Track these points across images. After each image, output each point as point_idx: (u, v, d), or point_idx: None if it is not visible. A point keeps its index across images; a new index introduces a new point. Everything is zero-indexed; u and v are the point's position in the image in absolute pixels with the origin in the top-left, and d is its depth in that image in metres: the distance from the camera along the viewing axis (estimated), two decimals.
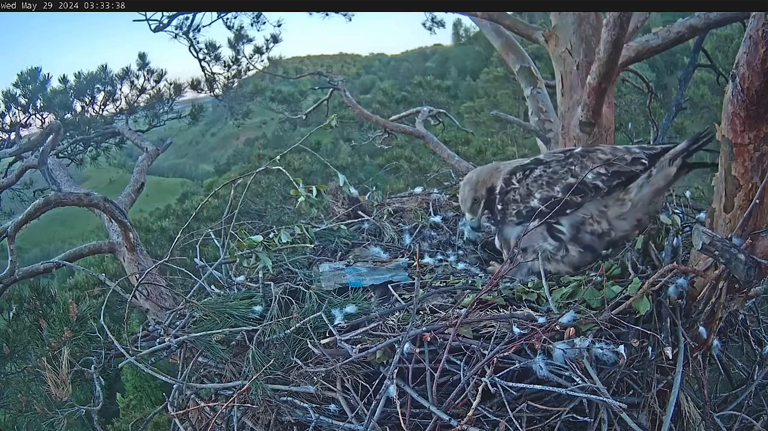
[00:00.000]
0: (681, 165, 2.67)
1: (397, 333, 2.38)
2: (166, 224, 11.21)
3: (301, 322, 2.51)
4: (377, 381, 2.30)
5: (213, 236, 3.47)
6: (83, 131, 6.65)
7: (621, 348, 2.09)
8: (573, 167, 2.75)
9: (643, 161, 2.69)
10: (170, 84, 7.59)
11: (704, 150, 2.74)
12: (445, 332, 2.30)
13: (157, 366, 2.84)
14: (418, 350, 2.26)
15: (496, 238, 3.09)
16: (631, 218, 2.74)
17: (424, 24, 9.58)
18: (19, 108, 6.51)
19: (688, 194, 3.44)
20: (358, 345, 2.37)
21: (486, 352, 2.15)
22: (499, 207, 2.93)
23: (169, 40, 7.28)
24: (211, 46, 8.14)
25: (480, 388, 2.04)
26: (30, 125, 6.54)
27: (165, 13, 6.70)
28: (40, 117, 6.60)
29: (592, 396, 2.03)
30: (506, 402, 2.06)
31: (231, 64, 8.48)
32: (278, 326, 2.55)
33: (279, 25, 8.66)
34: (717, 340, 2.49)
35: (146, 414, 4.57)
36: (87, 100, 6.98)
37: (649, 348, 2.25)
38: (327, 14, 8.06)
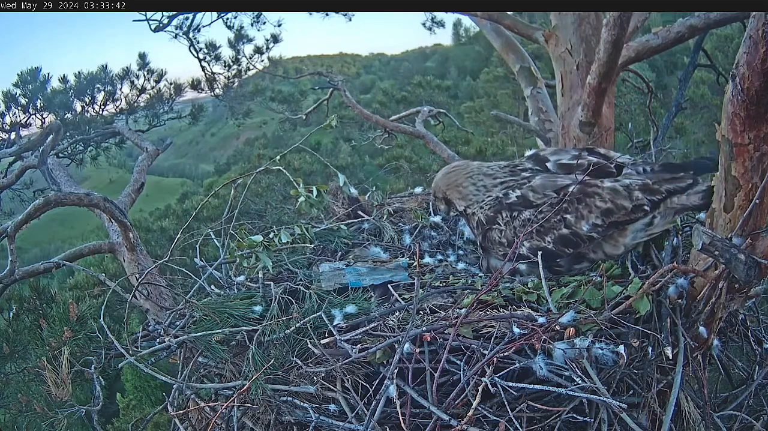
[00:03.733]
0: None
1: (397, 333, 2.38)
2: (166, 224, 11.22)
3: (301, 322, 2.51)
4: (377, 381, 2.30)
5: (213, 236, 3.46)
6: (83, 131, 6.65)
7: (621, 348, 2.09)
8: (567, 216, 2.55)
9: (645, 207, 2.52)
10: (170, 84, 7.60)
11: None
12: (445, 332, 2.30)
13: (157, 366, 2.84)
14: (418, 350, 2.26)
15: (481, 262, 2.99)
16: (617, 255, 2.66)
17: (424, 24, 9.59)
18: (19, 108, 6.51)
19: None
20: (358, 345, 2.37)
21: (486, 352, 2.15)
22: (482, 247, 2.86)
23: (169, 40, 7.30)
24: (211, 46, 8.15)
25: (480, 388, 2.04)
26: (30, 125, 6.55)
27: (165, 13, 6.71)
28: (40, 117, 6.60)
29: (592, 396, 2.03)
30: (506, 402, 2.06)
31: (231, 64, 8.48)
32: (278, 326, 2.55)
33: (279, 25, 8.68)
34: (717, 340, 2.49)
35: (146, 414, 4.57)
36: (87, 100, 6.98)
37: (649, 348, 2.25)
38: (327, 14, 8.06)
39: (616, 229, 2.55)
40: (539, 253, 2.76)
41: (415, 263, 2.96)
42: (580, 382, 2.04)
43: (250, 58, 8.66)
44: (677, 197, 2.54)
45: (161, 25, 6.79)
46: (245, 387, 2.25)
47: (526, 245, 2.61)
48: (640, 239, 2.60)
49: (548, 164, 2.84)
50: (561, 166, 2.80)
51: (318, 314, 2.53)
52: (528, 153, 3.05)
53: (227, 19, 8.15)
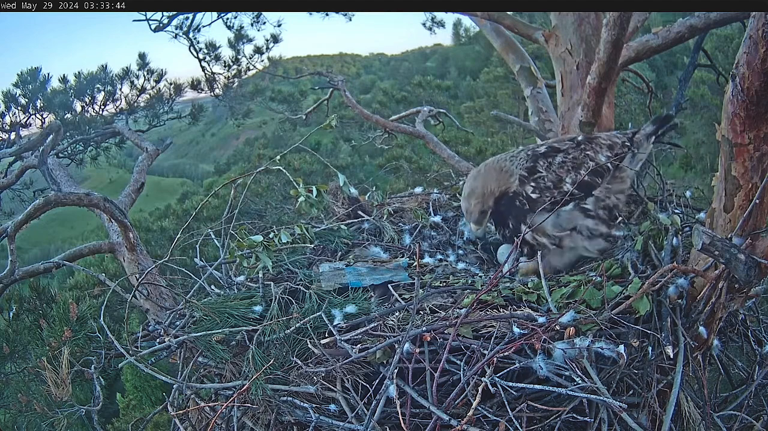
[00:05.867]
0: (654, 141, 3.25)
1: (397, 333, 2.39)
2: (166, 224, 11.20)
3: (301, 322, 2.51)
4: (377, 381, 2.30)
5: (213, 236, 3.47)
6: (83, 131, 6.63)
7: (621, 348, 2.09)
8: (588, 152, 3.03)
9: (627, 143, 3.14)
10: (170, 84, 7.57)
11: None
12: (445, 332, 2.30)
13: (157, 366, 2.84)
14: (418, 350, 2.26)
15: (520, 228, 2.99)
16: (626, 189, 3.13)
17: (424, 24, 9.56)
18: (19, 108, 6.49)
19: (688, 194, 3.44)
20: (358, 345, 2.37)
21: (486, 352, 2.15)
22: (534, 196, 2.96)
23: (169, 40, 7.28)
24: (211, 46, 8.13)
25: (480, 388, 2.04)
26: (30, 125, 6.53)
27: (165, 13, 6.70)
28: (40, 117, 6.58)
29: (592, 396, 2.03)
30: (506, 402, 2.06)
31: (231, 64, 8.47)
32: (278, 326, 2.55)
33: (279, 25, 8.65)
34: (717, 340, 2.49)
35: (146, 414, 4.56)
36: (87, 100, 6.96)
37: (649, 348, 2.25)
38: (327, 14, 8.04)
39: (618, 161, 3.06)
40: (539, 253, 2.78)
41: (415, 263, 2.96)
42: (580, 382, 2.04)
43: (250, 58, 8.64)
44: (638, 134, 3.23)
45: (161, 25, 6.78)
46: (245, 387, 2.25)
47: (568, 181, 2.95)
48: (635, 167, 3.19)
49: None
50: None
51: (318, 314, 2.53)
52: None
53: (227, 19, 8.14)
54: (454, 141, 11.56)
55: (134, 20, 6.42)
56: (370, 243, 3.41)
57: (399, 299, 2.76)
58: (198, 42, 7.81)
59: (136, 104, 7.21)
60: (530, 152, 3.10)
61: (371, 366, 2.38)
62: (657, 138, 3.26)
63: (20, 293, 4.17)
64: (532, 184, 2.98)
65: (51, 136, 3.98)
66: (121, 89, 7.13)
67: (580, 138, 3.13)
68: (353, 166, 14.27)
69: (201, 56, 8.01)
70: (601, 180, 2.99)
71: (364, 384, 2.33)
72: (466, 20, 25.94)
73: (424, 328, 2.30)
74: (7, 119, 6.42)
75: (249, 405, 2.44)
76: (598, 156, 3.02)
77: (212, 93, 8.47)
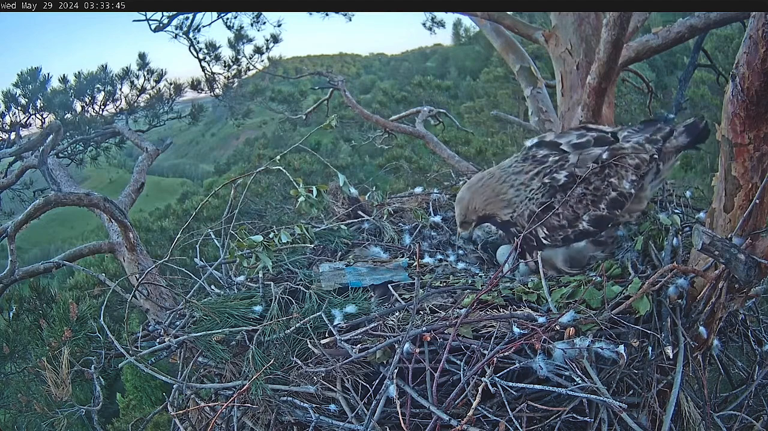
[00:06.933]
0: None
1: (397, 333, 2.39)
2: (166, 224, 11.20)
3: (301, 322, 2.51)
4: (377, 381, 2.30)
5: (213, 236, 3.47)
6: (83, 131, 6.64)
7: (621, 348, 2.09)
8: (612, 180, 2.74)
9: (655, 156, 2.82)
10: (170, 84, 7.57)
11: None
12: (445, 332, 2.30)
13: (157, 366, 2.84)
14: (418, 350, 2.26)
15: (534, 257, 2.84)
16: (642, 208, 2.90)
17: (424, 24, 9.56)
18: (19, 108, 6.49)
19: (688, 194, 3.44)
20: (358, 345, 2.37)
21: (486, 352, 2.15)
22: (543, 234, 2.77)
23: (169, 40, 7.29)
24: (211, 46, 8.13)
25: (480, 388, 2.04)
26: (30, 125, 6.53)
27: (165, 13, 6.70)
28: (40, 117, 6.58)
29: (592, 396, 2.03)
30: (506, 402, 2.06)
31: (231, 64, 8.47)
32: (278, 326, 2.55)
33: (279, 25, 8.66)
34: (717, 340, 2.49)
35: (146, 414, 4.56)
36: (87, 100, 6.95)
37: (649, 348, 2.25)
38: (327, 14, 8.05)
39: (643, 181, 2.77)
40: (539, 254, 2.78)
41: (415, 263, 2.96)
42: (580, 382, 2.04)
43: (250, 58, 8.65)
44: (668, 142, 2.89)
45: (161, 25, 6.78)
46: (245, 387, 2.25)
47: (585, 219, 2.73)
48: (655, 187, 2.93)
49: (562, 147, 2.91)
50: (575, 146, 2.89)
51: (318, 314, 2.53)
52: (531, 142, 3.07)
53: (227, 19, 8.14)
54: (454, 141, 11.56)
55: (134, 20, 6.43)
56: (370, 243, 3.41)
57: (399, 299, 2.75)
58: (198, 42, 7.83)
59: (136, 104, 7.21)
60: (548, 182, 2.79)
61: (371, 366, 2.38)
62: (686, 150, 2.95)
63: (20, 293, 4.17)
64: (546, 231, 2.76)
65: (51, 136, 3.99)
66: (121, 89, 7.13)
67: (605, 156, 2.76)
68: (353, 166, 14.27)
69: (201, 56, 8.01)
70: (620, 211, 2.74)
71: (364, 384, 2.33)
72: (466, 20, 25.95)
73: (424, 328, 2.30)
74: (7, 119, 6.42)
75: (249, 405, 2.44)
76: (622, 183, 2.72)
77: (212, 93, 8.47)
